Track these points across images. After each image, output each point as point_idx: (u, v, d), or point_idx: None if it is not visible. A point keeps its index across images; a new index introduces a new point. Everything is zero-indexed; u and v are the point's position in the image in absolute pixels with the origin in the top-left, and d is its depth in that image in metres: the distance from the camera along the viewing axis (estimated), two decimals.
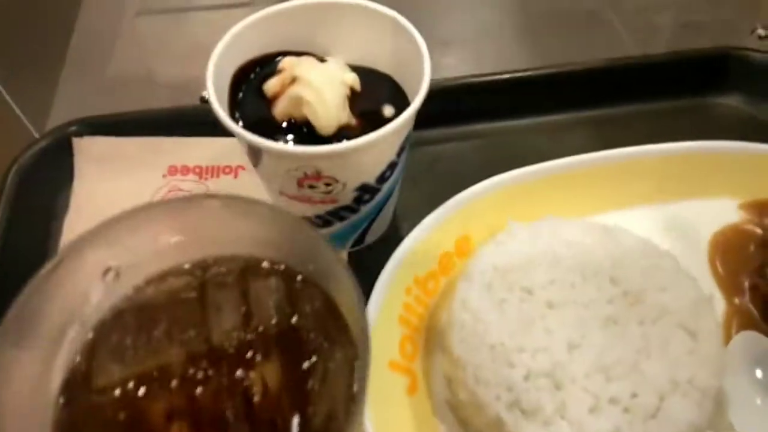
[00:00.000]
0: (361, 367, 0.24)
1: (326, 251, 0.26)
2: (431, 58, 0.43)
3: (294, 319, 0.29)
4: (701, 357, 0.38)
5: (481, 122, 0.61)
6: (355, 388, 0.24)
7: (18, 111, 0.58)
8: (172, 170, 0.58)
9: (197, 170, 0.58)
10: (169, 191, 0.57)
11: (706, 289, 0.47)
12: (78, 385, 0.27)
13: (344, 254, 0.52)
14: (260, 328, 0.29)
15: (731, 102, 0.63)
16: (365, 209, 0.47)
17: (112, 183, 0.57)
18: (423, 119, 0.61)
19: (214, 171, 0.58)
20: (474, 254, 0.45)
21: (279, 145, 0.38)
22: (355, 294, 0.25)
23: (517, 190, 0.50)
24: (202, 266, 0.31)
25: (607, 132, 0.60)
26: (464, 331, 0.41)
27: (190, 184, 0.57)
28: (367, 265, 0.46)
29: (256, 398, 0.27)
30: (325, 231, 0.48)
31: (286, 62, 0.43)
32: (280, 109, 0.42)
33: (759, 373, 0.42)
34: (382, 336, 0.43)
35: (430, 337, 0.46)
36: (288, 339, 0.28)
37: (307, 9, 0.47)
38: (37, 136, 0.60)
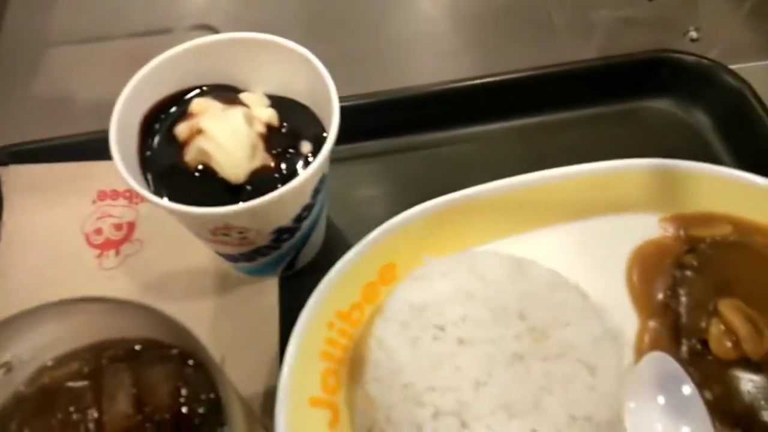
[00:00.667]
0: None
1: (197, 344, 0.27)
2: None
3: (184, 402, 0.30)
4: (599, 393, 0.40)
5: (413, 134, 0.61)
6: None
7: None
8: (102, 195, 0.58)
9: (127, 194, 0.58)
10: (99, 217, 0.57)
11: (621, 308, 0.50)
12: None
13: (275, 280, 0.53)
14: (154, 415, 0.30)
15: (663, 106, 0.63)
16: (287, 245, 0.47)
17: (43, 212, 0.56)
18: (345, 135, 0.61)
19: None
20: (393, 288, 0.47)
21: (182, 208, 0.38)
22: (219, 381, 0.26)
23: (438, 218, 0.50)
24: (98, 350, 0.31)
25: (539, 140, 0.60)
26: (379, 371, 0.43)
27: (120, 210, 0.57)
28: (301, 289, 0.47)
29: None
30: (251, 264, 0.49)
31: (195, 106, 0.43)
32: (190, 157, 0.42)
33: (661, 400, 0.45)
34: (303, 375, 0.44)
35: (355, 367, 0.48)
36: (176, 420, 0.30)
37: (222, 44, 0.46)
38: None
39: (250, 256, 0.47)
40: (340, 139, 0.62)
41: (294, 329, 0.45)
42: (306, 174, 0.39)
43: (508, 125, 0.62)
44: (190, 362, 0.31)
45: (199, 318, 0.51)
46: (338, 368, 0.47)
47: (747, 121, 0.59)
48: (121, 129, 0.42)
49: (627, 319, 0.50)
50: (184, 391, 0.30)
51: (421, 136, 0.61)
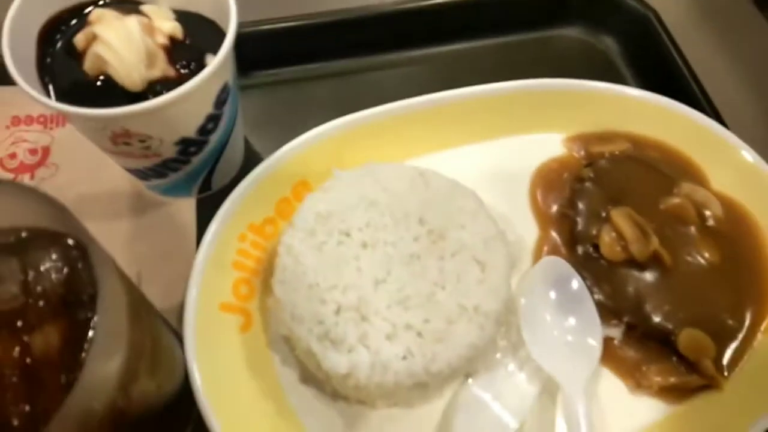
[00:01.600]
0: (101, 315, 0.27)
1: (68, 219, 0.28)
2: None
3: (68, 284, 0.31)
4: (488, 286, 0.43)
5: (327, 60, 0.62)
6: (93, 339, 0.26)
7: None
8: (15, 121, 0.57)
9: (41, 119, 0.57)
10: (13, 142, 0.56)
11: (524, 216, 0.52)
12: None
13: (192, 201, 0.54)
14: (38, 296, 0.31)
15: (573, 33, 0.65)
16: (197, 159, 0.48)
17: None
18: (265, 60, 0.62)
19: (59, 120, 0.57)
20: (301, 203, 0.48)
21: (72, 109, 0.38)
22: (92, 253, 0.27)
23: (349, 135, 0.52)
24: None
25: (452, 68, 0.62)
26: (285, 274, 0.44)
27: (35, 135, 0.57)
28: (217, 208, 0.48)
29: (31, 359, 0.29)
30: (163, 181, 0.50)
31: (92, 15, 0.43)
32: (88, 65, 0.42)
33: (553, 294, 0.48)
34: (213, 282, 0.46)
35: (268, 278, 0.49)
36: (63, 303, 0.31)
37: None
38: None
39: (160, 171, 0.48)
40: (260, 65, 0.62)
41: (203, 238, 0.46)
42: (201, 76, 0.40)
43: (422, 53, 0.63)
44: (78, 248, 0.32)
45: (115, 238, 0.52)
46: (251, 278, 0.49)
47: (652, 45, 0.62)
48: (16, 37, 0.41)
49: (529, 231, 0.53)
50: (71, 275, 0.31)
51: (336, 62, 0.62)
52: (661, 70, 0.61)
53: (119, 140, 0.42)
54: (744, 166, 0.52)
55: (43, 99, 0.38)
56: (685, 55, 0.60)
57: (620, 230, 0.49)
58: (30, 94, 0.38)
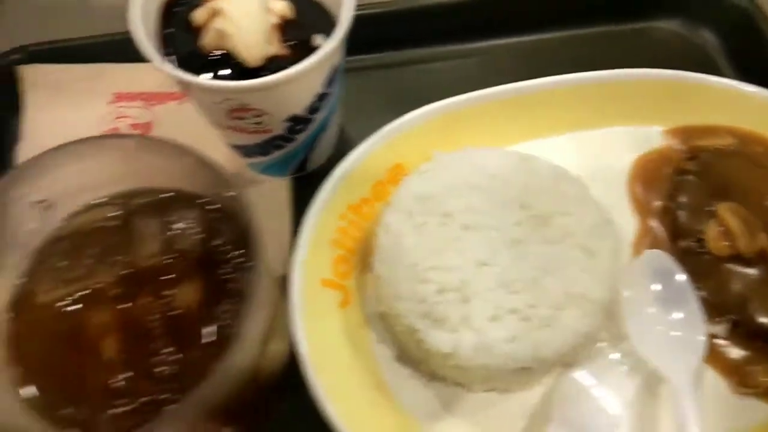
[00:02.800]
0: (254, 285, 0.27)
1: (224, 185, 0.29)
2: None
3: (208, 244, 0.32)
4: (595, 274, 0.43)
5: (420, 47, 0.62)
6: (246, 291, 0.27)
7: None
8: (118, 97, 0.59)
9: (143, 96, 0.59)
10: (116, 117, 0.58)
11: (621, 209, 0.51)
12: (22, 303, 0.31)
13: (287, 180, 0.55)
14: (179, 252, 0.32)
15: (671, 26, 0.64)
16: (301, 138, 0.49)
17: (60, 111, 0.58)
18: (365, 44, 0.62)
19: (161, 97, 0.59)
20: (399, 184, 0.48)
21: (200, 80, 0.40)
22: (248, 221, 0.28)
23: (445, 120, 0.52)
24: (128, 197, 0.34)
25: (544, 56, 0.61)
26: (385, 253, 0.45)
27: (136, 111, 0.59)
28: (311, 189, 0.49)
29: (178, 312, 0.30)
30: (265, 159, 0.51)
31: None
32: (207, 41, 0.43)
33: (656, 287, 0.47)
34: (315, 258, 0.47)
35: (366, 257, 0.50)
36: (203, 261, 0.32)
37: None
38: None
39: (264, 148, 0.49)
40: (355, 50, 0.63)
41: (307, 215, 0.47)
42: (318, 56, 0.41)
43: (515, 41, 0.62)
44: (217, 211, 0.33)
45: None
46: (349, 256, 0.49)
47: (754, 40, 0.60)
48: (143, 13, 0.43)
49: (627, 222, 0.52)
50: (210, 236, 0.32)
51: (431, 49, 0.62)
52: (763, 65, 0.59)
53: (235, 114, 0.43)
54: None
55: (176, 71, 0.40)
56: None
57: (727, 225, 0.48)
58: (162, 67, 0.40)
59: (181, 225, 0.32)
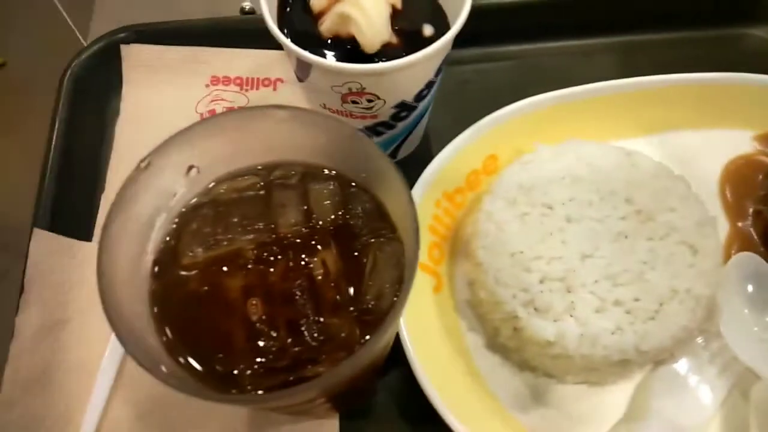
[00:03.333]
0: (410, 259, 0.28)
1: (380, 159, 0.30)
2: None
3: (347, 217, 0.33)
4: (700, 270, 0.43)
5: (510, 44, 0.63)
6: (405, 275, 0.28)
7: (67, 17, 0.60)
8: (215, 80, 0.61)
9: (238, 81, 0.61)
10: (212, 100, 0.60)
11: (713, 212, 0.51)
12: (167, 262, 0.32)
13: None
14: (319, 223, 0.33)
15: (760, 33, 0.63)
16: (402, 125, 0.50)
17: (159, 90, 0.60)
18: (457, 39, 0.63)
19: (254, 83, 0.61)
20: (500, 173, 0.49)
21: (328, 62, 0.41)
22: (406, 196, 0.29)
23: (544, 114, 0.52)
24: (269, 169, 0.35)
25: (632, 58, 0.61)
26: (488, 239, 0.46)
27: (231, 95, 0.60)
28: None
29: (318, 278, 0.31)
30: None
31: None
32: (326, 26, 0.44)
33: (750, 288, 0.47)
34: None
35: (456, 245, 0.51)
36: (343, 233, 0.33)
37: None
38: (84, 43, 0.62)
39: (365, 134, 0.50)
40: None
41: None
42: (440, 43, 0.42)
43: (604, 41, 0.63)
44: (353, 183, 0.34)
45: None
46: (442, 243, 0.50)
47: None
48: None
49: (719, 226, 0.52)
50: (347, 208, 0.33)
51: (518, 46, 0.63)
52: None
53: (349, 98, 0.44)
54: None
55: (300, 50, 0.41)
56: None
57: None
58: (291, 47, 0.41)
59: (319, 197, 0.34)
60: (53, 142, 0.55)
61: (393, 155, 0.55)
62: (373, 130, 0.50)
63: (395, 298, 0.28)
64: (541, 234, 0.44)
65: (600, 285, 0.42)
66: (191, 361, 0.31)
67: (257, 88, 0.61)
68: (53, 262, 0.50)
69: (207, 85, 0.61)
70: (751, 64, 0.60)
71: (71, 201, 0.53)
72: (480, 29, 0.61)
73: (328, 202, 0.33)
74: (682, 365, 0.45)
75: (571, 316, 0.42)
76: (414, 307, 0.45)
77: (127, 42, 0.60)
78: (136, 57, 0.60)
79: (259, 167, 0.35)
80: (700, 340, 0.46)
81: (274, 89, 0.60)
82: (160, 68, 0.60)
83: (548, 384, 0.46)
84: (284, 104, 0.31)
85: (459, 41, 0.63)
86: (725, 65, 0.59)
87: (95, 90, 0.59)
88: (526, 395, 0.46)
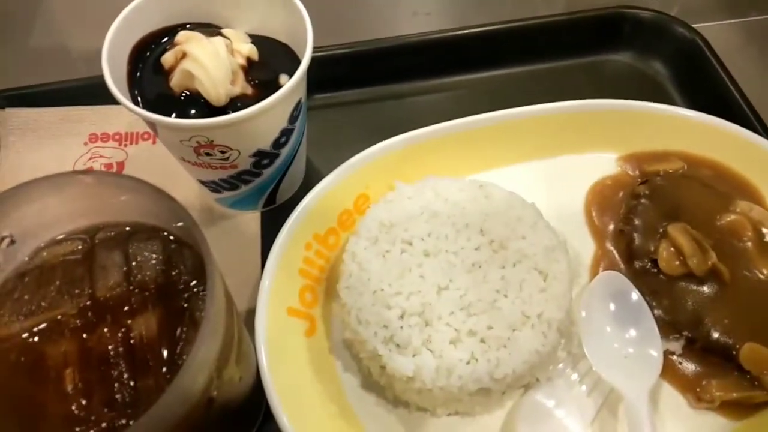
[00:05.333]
0: (207, 301, 0.28)
1: (180, 211, 0.31)
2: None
3: (168, 275, 0.33)
4: (550, 294, 0.44)
5: (383, 84, 0.65)
6: (200, 328, 0.28)
7: None
8: (93, 138, 0.61)
9: (117, 137, 0.61)
10: (91, 158, 0.60)
11: (579, 233, 0.53)
12: None
13: (257, 214, 0.57)
14: (139, 283, 0.33)
15: (623, 58, 0.67)
16: (268, 172, 0.51)
17: (37, 152, 0.60)
18: (329, 82, 0.65)
19: (133, 137, 0.61)
20: (365, 213, 0.50)
21: (167, 119, 0.42)
22: (202, 248, 0.29)
23: (408, 151, 0.54)
24: (91, 231, 0.35)
25: (503, 91, 0.64)
26: (351, 279, 0.46)
27: (110, 151, 0.60)
28: (281, 222, 0.51)
29: (132, 341, 0.31)
30: (233, 193, 0.53)
31: (180, 36, 0.46)
32: (175, 82, 0.45)
33: (612, 307, 0.49)
34: (282, 287, 0.48)
35: (331, 286, 0.51)
36: (162, 292, 0.33)
37: None
38: None
39: (233, 183, 0.51)
40: (320, 88, 0.66)
41: (274, 244, 0.48)
42: (282, 91, 0.43)
43: (477, 77, 0.66)
44: (175, 243, 0.34)
45: None
46: (315, 286, 0.50)
47: (700, 70, 0.63)
48: (112, 57, 0.45)
49: (585, 246, 0.54)
50: (169, 266, 0.34)
51: (395, 86, 0.65)
52: (711, 92, 0.62)
53: (202, 150, 0.45)
54: None
55: (144, 112, 0.42)
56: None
57: (678, 245, 0.50)
58: (129, 106, 0.42)
59: (140, 256, 0.34)
60: None
61: (271, 200, 0.56)
62: (239, 179, 0.50)
63: (183, 357, 0.28)
64: (401, 270, 0.45)
65: (455, 316, 0.43)
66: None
67: (136, 143, 0.61)
68: None
69: (85, 143, 0.61)
70: (616, 87, 0.64)
71: None
72: (350, 73, 0.64)
73: (148, 261, 0.34)
74: (549, 389, 0.46)
75: (428, 349, 0.43)
76: (282, 354, 0.45)
77: (1, 106, 0.60)
78: (12, 121, 0.60)
79: (81, 231, 0.35)
80: (564, 363, 0.47)
81: (153, 143, 0.60)
82: (37, 130, 0.60)
83: (422, 418, 0.46)
84: (91, 170, 0.31)
85: (334, 84, 0.65)
86: (593, 90, 0.62)
87: None
88: (401, 431, 0.46)
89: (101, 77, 0.63)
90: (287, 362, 0.45)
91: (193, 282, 0.33)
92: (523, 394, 0.46)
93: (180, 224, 0.32)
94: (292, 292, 0.49)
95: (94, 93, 0.61)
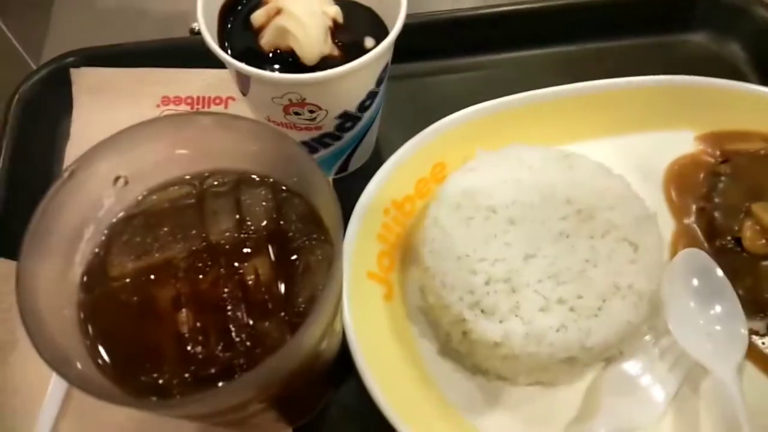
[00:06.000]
0: (334, 257, 0.28)
1: (308, 165, 0.31)
2: None
3: (279, 222, 0.33)
4: (641, 266, 0.43)
5: (459, 57, 0.64)
6: (330, 272, 0.28)
7: (15, 42, 0.60)
8: (165, 100, 0.61)
9: (189, 100, 0.61)
10: None
11: (659, 210, 0.53)
12: (96, 274, 0.32)
13: (330, 180, 0.56)
14: (252, 229, 0.33)
15: (697, 39, 0.66)
16: (348, 136, 0.51)
17: (109, 112, 0.60)
18: (404, 53, 0.64)
19: (206, 101, 0.61)
20: (446, 180, 0.50)
21: (266, 73, 0.42)
22: (330, 197, 0.29)
23: (488, 121, 0.54)
24: (201, 177, 0.35)
25: (578, 67, 0.63)
26: (434, 244, 0.46)
27: (221, 112, 0.60)
28: (352, 190, 0.50)
29: (249, 284, 0.31)
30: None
31: None
32: (266, 40, 0.45)
33: (695, 282, 0.48)
34: (362, 250, 0.48)
35: (407, 253, 0.51)
36: (275, 238, 0.33)
37: None
38: (34, 67, 0.62)
39: (313, 146, 0.50)
40: (395, 58, 0.65)
41: (355, 209, 0.48)
42: (375, 52, 0.43)
43: (552, 50, 0.65)
44: (284, 188, 0.34)
45: None
46: (392, 251, 0.50)
47: None
48: (205, 11, 0.45)
49: (665, 224, 0.53)
50: (280, 214, 0.34)
51: (469, 58, 0.64)
52: None
53: (291, 110, 0.45)
54: None
55: (241, 65, 0.41)
56: None
57: (764, 223, 0.49)
58: (227, 60, 0.42)
59: (252, 203, 0.34)
60: (0, 167, 0.55)
61: (344, 167, 0.56)
62: (320, 142, 0.50)
63: (299, 300, 0.28)
64: (485, 237, 0.45)
65: (543, 284, 0.43)
66: (119, 370, 0.30)
67: (208, 107, 0.61)
68: (1, 285, 0.49)
69: (158, 105, 0.61)
70: (690, 68, 0.62)
71: (21, 226, 0.53)
72: (428, 42, 0.63)
73: (260, 208, 0.33)
74: (632, 363, 0.46)
75: (516, 315, 0.42)
76: (364, 316, 0.45)
77: (77, 66, 0.60)
78: (85, 80, 0.61)
79: (191, 176, 0.35)
80: (648, 337, 0.46)
81: (226, 107, 0.60)
82: (110, 91, 0.61)
83: (501, 387, 0.46)
84: (210, 111, 0.31)
85: (407, 56, 0.64)
86: (667, 70, 0.61)
87: (45, 114, 0.59)
88: (479, 399, 0.46)
89: (174, 40, 0.64)
90: (369, 325, 0.45)
91: (306, 230, 0.33)
92: (605, 367, 0.46)
93: (300, 174, 0.32)
94: (371, 256, 0.49)
95: (167, 56, 0.62)
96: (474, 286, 0.43)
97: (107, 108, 0.60)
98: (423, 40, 0.61)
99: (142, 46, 0.62)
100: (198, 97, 0.61)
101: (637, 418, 0.44)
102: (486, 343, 0.42)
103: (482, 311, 0.43)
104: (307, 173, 0.31)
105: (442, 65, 0.64)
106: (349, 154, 0.54)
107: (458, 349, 0.46)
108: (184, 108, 0.61)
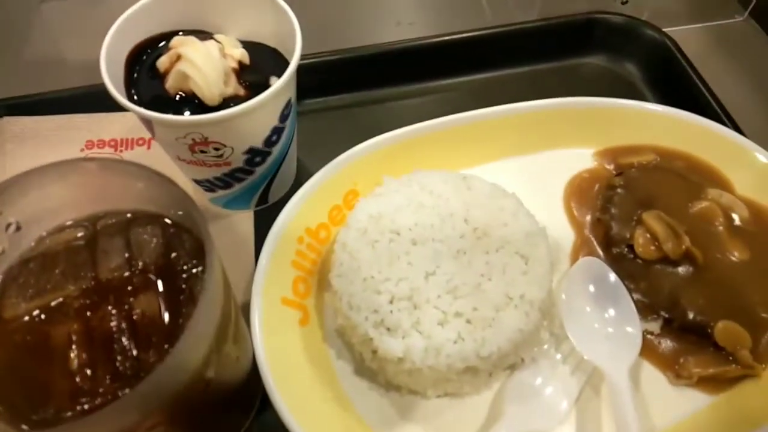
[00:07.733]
0: (206, 289, 0.30)
1: (187, 201, 0.33)
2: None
3: (168, 257, 0.35)
4: (532, 276, 0.47)
5: (371, 89, 0.68)
6: (200, 300, 0.30)
7: None
8: (89, 144, 0.63)
9: (113, 143, 0.63)
10: None
11: (560, 224, 0.56)
12: None
13: (250, 213, 0.59)
14: (140, 266, 0.35)
15: (597, 61, 0.71)
16: (260, 170, 0.53)
17: (34, 160, 0.60)
18: (321, 87, 0.68)
19: (129, 143, 0.63)
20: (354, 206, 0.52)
21: (164, 116, 0.44)
22: (201, 229, 0.31)
23: (394, 149, 0.57)
24: (94, 219, 0.37)
25: (484, 94, 0.67)
26: (342, 268, 0.48)
27: (107, 157, 0.62)
28: (272, 221, 0.53)
29: (135, 318, 0.33)
30: (227, 192, 0.55)
31: (174, 41, 0.49)
32: (170, 84, 0.48)
33: (591, 288, 0.51)
34: (276, 278, 0.50)
35: (323, 278, 0.53)
36: (162, 272, 0.35)
37: None
38: None
39: (227, 181, 0.53)
40: (310, 93, 0.68)
41: (268, 236, 0.50)
42: (272, 89, 0.45)
43: (458, 81, 0.69)
44: (174, 227, 0.36)
45: None
46: (308, 277, 0.52)
47: (671, 70, 0.67)
48: (109, 62, 0.47)
49: (565, 236, 0.56)
50: (168, 249, 0.36)
51: (380, 90, 0.68)
52: (680, 89, 0.66)
53: (197, 148, 0.47)
54: (765, 170, 0.56)
55: (140, 109, 0.44)
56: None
57: (653, 230, 0.52)
58: (127, 105, 0.44)
59: (141, 241, 0.36)
60: None
61: (264, 199, 0.58)
62: (233, 177, 0.52)
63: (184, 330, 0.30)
64: (390, 258, 0.47)
65: (442, 299, 0.45)
66: (14, 410, 0.32)
67: (132, 148, 0.63)
68: None
69: (82, 149, 0.63)
70: (588, 89, 0.67)
71: None
72: (339, 79, 0.67)
73: (148, 245, 0.35)
74: (534, 369, 0.48)
75: (417, 331, 0.44)
76: (278, 342, 0.47)
77: None
78: (9, 129, 0.62)
79: (84, 218, 0.36)
80: (547, 344, 0.49)
81: (148, 148, 0.62)
82: (35, 138, 0.62)
83: (413, 401, 0.48)
84: (95, 156, 0.33)
85: (324, 90, 0.67)
86: (568, 92, 0.65)
87: None
88: (393, 414, 0.48)
89: (97, 86, 0.65)
90: (282, 350, 0.47)
91: (193, 263, 0.35)
92: (509, 376, 0.48)
93: (180, 210, 0.34)
94: (285, 282, 0.51)
95: (90, 101, 0.64)
96: (379, 306, 0.45)
97: (33, 156, 0.62)
98: (333, 76, 0.65)
99: (64, 93, 0.64)
100: (122, 140, 0.63)
101: (539, 422, 0.46)
102: (391, 359, 0.45)
103: (387, 329, 0.45)
104: (189, 209, 0.34)
105: (355, 97, 0.67)
106: (266, 187, 0.56)
107: (371, 366, 0.48)
108: (108, 151, 0.63)
